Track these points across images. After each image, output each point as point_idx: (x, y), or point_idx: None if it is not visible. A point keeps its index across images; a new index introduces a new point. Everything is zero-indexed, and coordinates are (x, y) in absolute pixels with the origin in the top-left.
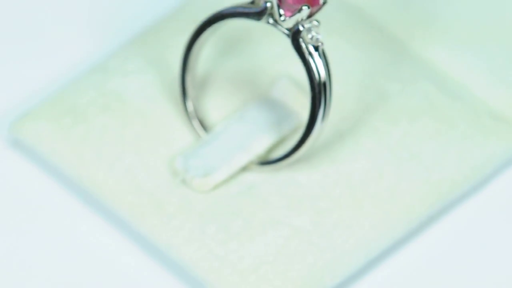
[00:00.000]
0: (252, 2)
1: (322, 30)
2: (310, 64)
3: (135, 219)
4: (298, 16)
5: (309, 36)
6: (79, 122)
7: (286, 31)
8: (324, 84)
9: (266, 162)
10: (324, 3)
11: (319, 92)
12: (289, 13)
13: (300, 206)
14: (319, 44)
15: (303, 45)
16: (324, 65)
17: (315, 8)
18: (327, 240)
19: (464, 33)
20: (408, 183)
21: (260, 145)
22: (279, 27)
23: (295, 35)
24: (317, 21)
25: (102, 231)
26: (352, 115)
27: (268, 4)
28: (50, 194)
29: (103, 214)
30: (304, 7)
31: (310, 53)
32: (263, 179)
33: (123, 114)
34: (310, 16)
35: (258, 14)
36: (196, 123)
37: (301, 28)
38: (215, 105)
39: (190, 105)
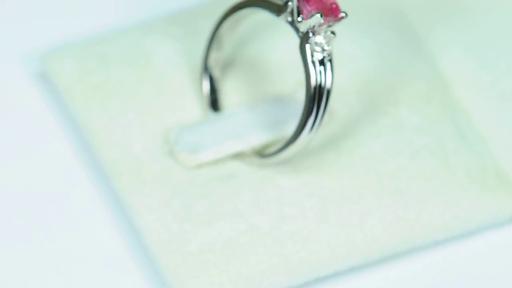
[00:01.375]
0: None
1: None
2: (309, 72)
3: (113, 174)
4: (310, 22)
5: (318, 45)
6: (101, 69)
7: (299, 34)
8: (319, 96)
9: (259, 155)
10: (342, 17)
11: (311, 102)
12: (305, 17)
13: (267, 206)
14: (325, 55)
15: (308, 52)
16: (324, 78)
17: (331, 19)
18: (278, 246)
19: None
20: (382, 215)
21: (257, 139)
22: (294, 27)
23: (303, 39)
24: (333, 32)
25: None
26: (357, 133)
27: (290, 3)
28: (51, 135)
29: (90, 163)
30: (317, 15)
31: (313, 62)
32: (247, 171)
33: (144, 74)
34: (325, 25)
35: (279, 10)
36: (208, 101)
37: (310, 34)
38: (236, 89)
39: (206, 83)
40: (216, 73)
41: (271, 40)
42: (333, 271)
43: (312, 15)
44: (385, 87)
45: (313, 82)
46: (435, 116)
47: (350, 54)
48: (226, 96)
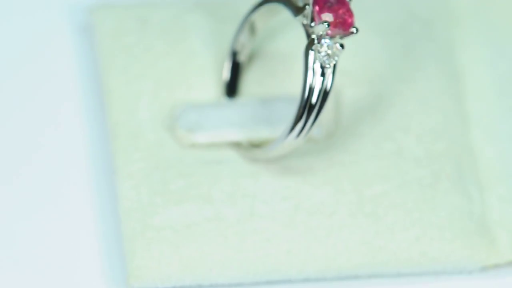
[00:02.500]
0: None
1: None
2: (306, 78)
3: (112, 134)
4: (318, 29)
5: (322, 54)
6: (137, 31)
7: (308, 38)
8: (311, 105)
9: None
10: (352, 32)
11: (302, 108)
12: (316, 23)
13: (241, 200)
14: (327, 65)
15: (311, 58)
16: (320, 87)
17: (340, 31)
18: (238, 241)
19: None
20: (349, 234)
21: (256, 133)
22: (306, 31)
23: (309, 44)
24: (341, 45)
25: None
26: (357, 150)
27: (307, 7)
28: (75, 87)
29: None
30: (324, 23)
31: (313, 69)
32: (235, 162)
33: (175, 47)
34: (336, 36)
35: (298, 10)
36: (225, 86)
37: (316, 41)
38: (258, 80)
39: (227, 67)
40: (241, 59)
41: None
42: (286, 278)
43: (321, 23)
44: (400, 113)
45: (307, 90)
46: (440, 152)
47: (372, 71)
48: (247, 85)
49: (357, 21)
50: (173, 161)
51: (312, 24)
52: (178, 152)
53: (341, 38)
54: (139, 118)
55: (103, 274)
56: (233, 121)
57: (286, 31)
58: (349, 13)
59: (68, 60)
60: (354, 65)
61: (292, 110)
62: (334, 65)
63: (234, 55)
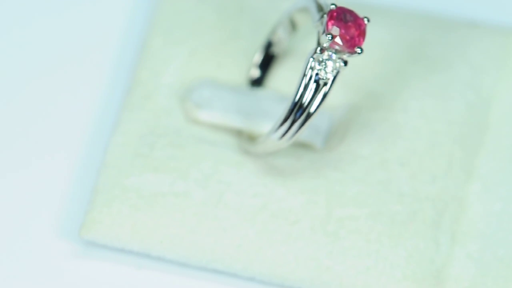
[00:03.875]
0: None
1: None
2: (299, 86)
3: (130, 89)
4: (323, 39)
5: (321, 65)
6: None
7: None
8: (297, 112)
9: (248, 139)
10: (356, 52)
11: (288, 113)
12: (324, 33)
13: (215, 185)
14: (322, 77)
15: (308, 66)
16: (309, 98)
17: (345, 48)
18: (195, 222)
19: None
20: (303, 247)
21: (259, 127)
22: (318, 39)
23: (311, 52)
24: (345, 62)
25: None
26: (350, 169)
27: (325, 16)
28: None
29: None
30: (328, 35)
31: (308, 77)
32: (228, 149)
33: (225, 21)
34: (345, 50)
35: (318, 17)
36: (250, 74)
37: (318, 50)
38: (286, 77)
39: (259, 57)
40: (276, 51)
41: None
42: (230, 271)
43: (325, 34)
44: (407, 146)
45: (298, 95)
46: (429, 195)
47: (393, 98)
48: (274, 78)
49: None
50: (170, 130)
51: (323, 33)
52: (179, 123)
53: (349, 55)
54: (160, 81)
55: (64, 223)
56: (243, 109)
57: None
58: (360, 33)
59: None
60: (378, 88)
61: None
62: (334, 79)
63: (269, 46)
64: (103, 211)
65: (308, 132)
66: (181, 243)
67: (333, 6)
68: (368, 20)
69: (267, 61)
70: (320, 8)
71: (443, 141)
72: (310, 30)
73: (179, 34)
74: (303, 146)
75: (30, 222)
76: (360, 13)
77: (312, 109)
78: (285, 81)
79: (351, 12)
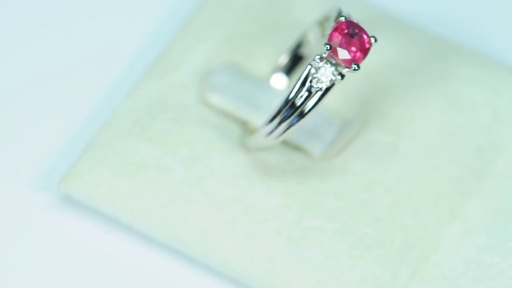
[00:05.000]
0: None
1: None
2: (294, 86)
3: (159, 57)
4: (322, 48)
5: (316, 73)
6: None
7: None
8: (285, 113)
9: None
10: (353, 68)
11: (277, 113)
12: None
13: (198, 168)
14: (314, 85)
15: (305, 72)
16: (300, 102)
17: (341, 61)
18: (168, 197)
19: None
20: (262, 247)
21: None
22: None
23: (311, 59)
24: (341, 75)
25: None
26: (335, 181)
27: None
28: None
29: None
30: (326, 45)
31: (302, 84)
32: (228, 137)
33: (271, 12)
34: (344, 64)
35: (332, 25)
36: (275, 70)
37: (316, 58)
38: None
39: (286, 56)
40: (304, 52)
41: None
42: (188, 254)
43: (324, 44)
44: (399, 175)
45: (290, 96)
46: (404, 226)
47: (402, 127)
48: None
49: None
50: (178, 106)
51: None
52: (190, 101)
53: (348, 70)
54: (189, 57)
55: (53, 175)
56: (254, 102)
57: None
58: (361, 51)
59: None
60: (394, 111)
61: (318, 124)
62: (327, 89)
63: (298, 46)
64: (86, 167)
65: (309, 138)
66: (150, 216)
67: (342, 18)
68: (376, 40)
69: (294, 61)
70: (338, 18)
71: (439, 177)
72: None
73: (223, 16)
74: (300, 150)
75: (20, 170)
76: (381, 32)
77: (300, 113)
78: None
79: (360, 28)
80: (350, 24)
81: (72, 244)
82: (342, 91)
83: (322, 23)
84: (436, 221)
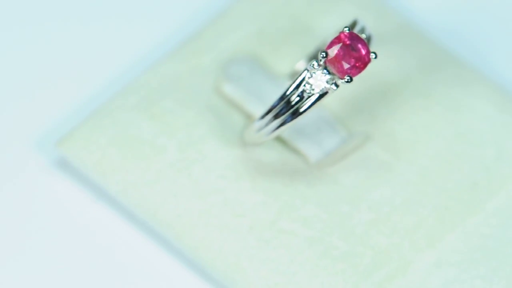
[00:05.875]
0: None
1: None
2: (287, 88)
3: (186, 39)
4: (319, 55)
5: (310, 79)
6: None
7: None
8: (277, 111)
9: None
10: (346, 80)
11: (269, 110)
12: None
13: (191, 154)
14: (307, 90)
15: (301, 76)
16: (292, 104)
17: (334, 71)
18: (154, 176)
19: None
20: (231, 241)
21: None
22: None
23: (309, 64)
24: (335, 84)
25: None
26: (320, 189)
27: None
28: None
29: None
30: (322, 52)
31: (297, 85)
32: (229, 128)
33: (309, 11)
34: (335, 74)
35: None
36: (294, 71)
37: (313, 63)
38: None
39: (301, 64)
40: None
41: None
42: (163, 235)
43: (320, 51)
44: (387, 194)
45: (287, 93)
46: (380, 248)
47: (402, 145)
48: None
49: None
50: (191, 90)
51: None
52: (204, 87)
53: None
54: (216, 44)
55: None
56: (264, 98)
57: (377, 48)
58: (358, 64)
59: None
60: (402, 132)
61: (322, 130)
62: (318, 97)
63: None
64: (84, 132)
65: (310, 143)
66: (133, 191)
67: (346, 29)
68: (376, 57)
69: None
70: (351, 27)
71: (425, 204)
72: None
73: (260, 10)
74: (297, 153)
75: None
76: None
77: (293, 112)
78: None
79: (362, 42)
80: (352, 36)
81: (59, 207)
82: (353, 101)
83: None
84: (411, 246)
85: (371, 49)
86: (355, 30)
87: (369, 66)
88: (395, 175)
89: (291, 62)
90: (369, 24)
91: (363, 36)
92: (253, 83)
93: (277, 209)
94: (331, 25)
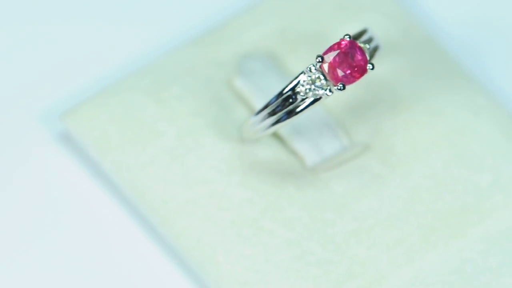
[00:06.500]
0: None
1: None
2: (286, 86)
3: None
4: (314, 60)
5: (306, 83)
6: None
7: None
8: (272, 107)
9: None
10: (338, 87)
11: (264, 107)
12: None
13: (188, 143)
14: (301, 93)
15: (297, 79)
16: (285, 104)
17: (327, 77)
18: (148, 159)
19: None
20: (213, 233)
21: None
22: None
23: (306, 68)
24: (329, 90)
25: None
26: (310, 193)
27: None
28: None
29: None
30: (318, 57)
31: (292, 87)
32: (230, 121)
33: (336, 13)
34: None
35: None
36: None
37: (310, 67)
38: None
39: None
40: None
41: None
42: (148, 220)
43: (317, 56)
44: (376, 209)
45: (286, 89)
46: (353, 256)
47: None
48: None
49: None
50: (203, 79)
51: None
52: (216, 79)
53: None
54: (237, 37)
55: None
56: (271, 96)
57: (395, 60)
58: (352, 72)
59: None
60: (401, 149)
61: (324, 130)
62: (313, 100)
63: None
64: (89, 107)
65: (309, 147)
66: (125, 172)
67: (347, 37)
68: (372, 68)
69: None
70: (360, 35)
71: (411, 221)
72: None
73: (288, 8)
74: (295, 155)
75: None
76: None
77: (284, 113)
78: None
79: (361, 52)
80: (352, 44)
81: (56, 179)
82: (360, 109)
83: (355, 38)
84: (389, 261)
85: (374, 60)
86: (362, 39)
87: (381, 76)
88: (386, 188)
89: (307, 65)
90: (393, 35)
91: (366, 46)
92: (264, 80)
93: (262, 208)
94: (354, 33)
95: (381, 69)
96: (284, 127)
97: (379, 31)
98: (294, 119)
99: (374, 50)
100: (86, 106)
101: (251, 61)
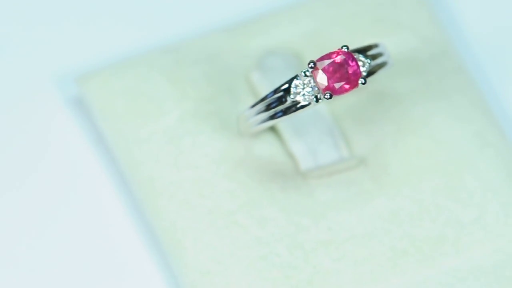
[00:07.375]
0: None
1: None
2: (281, 86)
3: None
4: (308, 65)
5: (297, 87)
6: None
7: None
8: (266, 104)
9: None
10: (326, 96)
11: (260, 101)
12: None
13: (187, 135)
14: (291, 97)
15: (287, 84)
16: (277, 106)
17: (317, 84)
18: (146, 147)
19: None
20: (196, 236)
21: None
22: None
23: (302, 72)
24: (316, 98)
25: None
26: (301, 200)
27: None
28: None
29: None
30: (311, 62)
31: (283, 91)
32: (234, 115)
33: (366, 17)
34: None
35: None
36: None
37: (303, 72)
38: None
39: None
40: None
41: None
42: (138, 209)
43: (309, 62)
44: (368, 219)
45: (280, 88)
46: (324, 271)
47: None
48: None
49: None
50: (224, 69)
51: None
52: (238, 71)
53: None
54: (269, 32)
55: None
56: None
57: (415, 81)
58: (341, 83)
59: None
60: (395, 165)
61: (326, 139)
62: (302, 105)
63: None
64: (103, 75)
65: (307, 152)
66: (123, 146)
67: (344, 48)
68: (364, 83)
69: None
70: (370, 48)
71: (385, 242)
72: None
73: (326, 12)
74: (291, 157)
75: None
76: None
77: (278, 111)
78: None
79: (356, 65)
80: (349, 56)
81: (63, 144)
82: (366, 121)
83: (362, 51)
84: (353, 277)
85: (377, 75)
86: (369, 53)
87: (396, 95)
88: (369, 205)
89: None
90: (420, 56)
91: (367, 60)
92: (281, 78)
93: (241, 202)
94: (362, 45)
95: (399, 87)
96: (287, 128)
97: (408, 49)
98: (284, 118)
99: (380, 66)
100: (103, 74)
101: (273, 57)
